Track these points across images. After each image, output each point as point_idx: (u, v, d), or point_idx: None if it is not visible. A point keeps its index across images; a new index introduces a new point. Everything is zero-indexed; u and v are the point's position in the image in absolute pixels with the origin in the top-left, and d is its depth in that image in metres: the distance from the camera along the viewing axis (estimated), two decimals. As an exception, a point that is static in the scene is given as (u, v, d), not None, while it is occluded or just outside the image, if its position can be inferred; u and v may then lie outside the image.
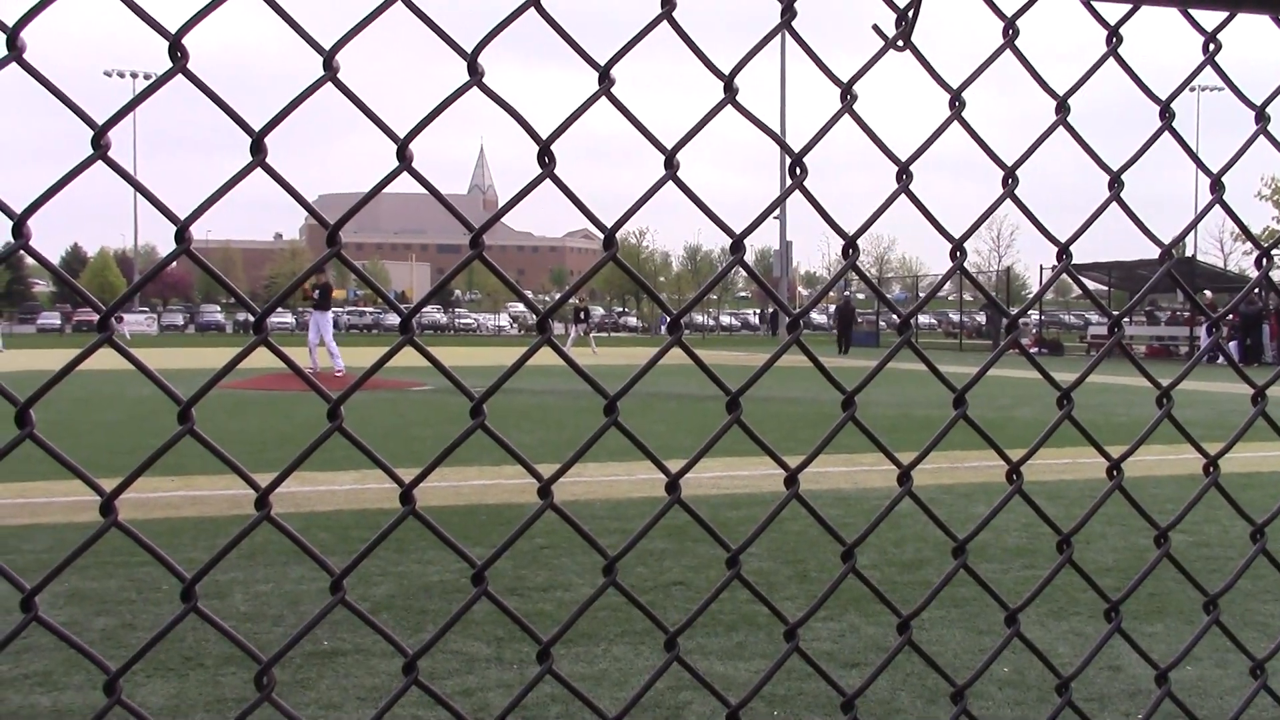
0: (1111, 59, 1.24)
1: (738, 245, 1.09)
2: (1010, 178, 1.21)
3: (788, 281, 50.88)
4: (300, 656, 3.73)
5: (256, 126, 0.95)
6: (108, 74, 71.01)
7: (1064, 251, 1.23)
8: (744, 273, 1.17)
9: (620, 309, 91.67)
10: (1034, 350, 34.02)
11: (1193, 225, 1.27)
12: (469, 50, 1.00)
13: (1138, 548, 5.59)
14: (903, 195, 1.19)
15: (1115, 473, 1.27)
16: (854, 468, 8.12)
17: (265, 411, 12.43)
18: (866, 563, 5.23)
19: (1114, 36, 1.23)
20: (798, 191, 1.13)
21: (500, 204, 1.13)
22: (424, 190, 1.08)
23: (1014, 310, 1.27)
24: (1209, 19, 1.24)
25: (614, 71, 1.05)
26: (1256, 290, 1.46)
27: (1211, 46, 1.27)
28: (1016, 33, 1.20)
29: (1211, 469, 1.34)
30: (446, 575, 4.86)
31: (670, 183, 1.08)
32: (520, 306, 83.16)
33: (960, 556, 1.21)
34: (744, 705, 1.09)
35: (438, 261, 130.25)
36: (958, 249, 1.18)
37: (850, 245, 1.13)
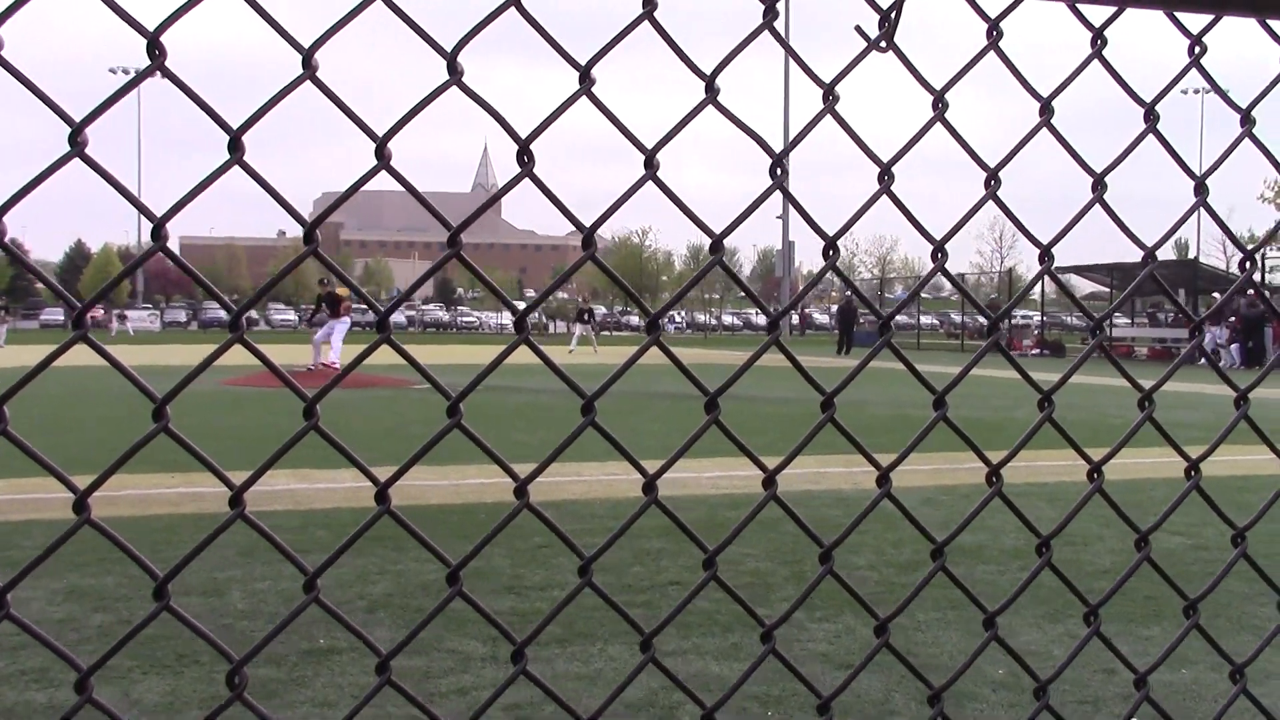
0: (1096, 61, 1.24)
1: (717, 245, 1.09)
2: (993, 179, 1.21)
3: (790, 282, 50.83)
4: (295, 655, 3.73)
5: (242, 125, 0.95)
6: (113, 71, 71.15)
7: (1046, 253, 1.23)
8: (747, 272, 1.17)
9: (622, 308, 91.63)
10: (1036, 352, 34.23)
11: (1174, 229, 1.27)
12: (449, 49, 1.00)
13: (1135, 550, 5.58)
14: (897, 196, 1.18)
15: (1096, 475, 1.27)
16: (853, 469, 8.10)
17: (260, 408, 12.43)
18: (863, 564, 5.23)
19: (1099, 39, 1.23)
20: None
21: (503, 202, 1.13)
22: (428, 188, 1.07)
23: (1017, 313, 1.28)
24: (1195, 22, 1.24)
25: (608, 72, 1.06)
26: (1260, 292, 1.46)
27: (1197, 49, 1.27)
28: (1000, 34, 1.20)
29: (1193, 473, 1.34)
30: (445, 573, 4.86)
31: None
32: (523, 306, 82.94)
33: (939, 559, 1.21)
34: (719, 706, 1.09)
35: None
36: (939, 250, 1.18)
37: (830, 246, 1.13)
